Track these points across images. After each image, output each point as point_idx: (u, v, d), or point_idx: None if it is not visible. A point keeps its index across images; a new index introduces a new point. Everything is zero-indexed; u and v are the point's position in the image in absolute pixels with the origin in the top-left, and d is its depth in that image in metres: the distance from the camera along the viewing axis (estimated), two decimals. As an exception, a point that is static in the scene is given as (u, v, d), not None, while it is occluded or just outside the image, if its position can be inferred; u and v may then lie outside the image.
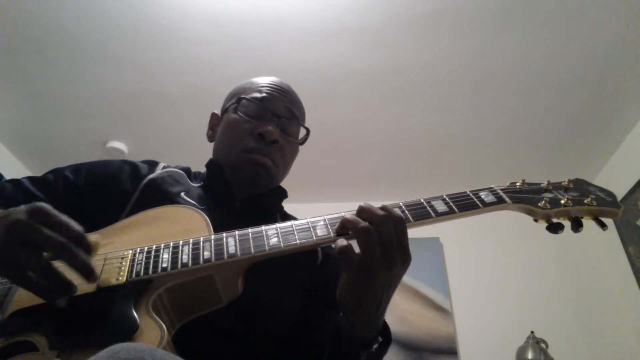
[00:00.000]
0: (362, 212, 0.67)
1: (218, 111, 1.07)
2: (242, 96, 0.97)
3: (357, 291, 0.68)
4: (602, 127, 2.64)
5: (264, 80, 1.01)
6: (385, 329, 0.76)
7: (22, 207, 0.61)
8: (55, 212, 0.61)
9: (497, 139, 2.77)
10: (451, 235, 2.98)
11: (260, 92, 0.97)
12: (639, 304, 2.53)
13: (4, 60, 2.30)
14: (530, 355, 2.35)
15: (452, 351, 2.61)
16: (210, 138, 1.05)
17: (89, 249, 0.62)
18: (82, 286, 0.65)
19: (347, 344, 0.72)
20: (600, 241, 2.90)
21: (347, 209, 0.73)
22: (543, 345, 2.42)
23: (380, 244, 0.64)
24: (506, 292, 2.81)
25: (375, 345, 0.73)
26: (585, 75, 2.33)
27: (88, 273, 0.60)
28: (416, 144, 2.83)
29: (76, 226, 0.61)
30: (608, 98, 2.45)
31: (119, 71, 2.38)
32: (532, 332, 2.48)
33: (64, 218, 0.61)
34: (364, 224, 0.65)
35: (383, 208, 0.67)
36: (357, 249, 0.66)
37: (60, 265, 0.60)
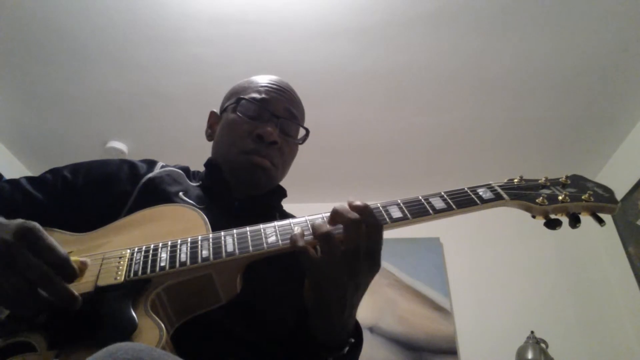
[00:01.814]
0: (335, 216, 0.66)
1: (217, 110, 1.07)
2: (241, 96, 0.97)
3: (319, 294, 0.68)
4: (602, 127, 2.64)
5: (264, 80, 1.01)
6: (357, 330, 0.76)
7: (12, 225, 0.59)
8: (43, 235, 0.60)
9: (497, 139, 2.77)
10: (451, 235, 2.98)
11: (259, 92, 0.97)
12: (639, 304, 2.53)
13: (4, 60, 2.30)
14: (530, 355, 2.34)
15: (452, 351, 2.61)
16: (210, 137, 1.05)
17: (74, 274, 0.61)
18: (80, 285, 0.65)
19: (314, 346, 0.72)
20: (600, 241, 2.90)
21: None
22: (543, 345, 2.42)
23: (345, 249, 0.64)
24: (506, 292, 2.81)
25: (346, 348, 0.72)
26: (585, 75, 2.33)
27: (69, 303, 0.59)
28: (416, 144, 2.83)
29: (61, 251, 0.60)
30: (608, 98, 2.45)
31: (118, 71, 2.38)
32: (532, 332, 2.48)
33: (51, 242, 0.60)
34: (326, 228, 0.64)
35: (361, 211, 0.65)
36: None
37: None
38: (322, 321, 0.70)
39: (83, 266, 0.66)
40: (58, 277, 0.59)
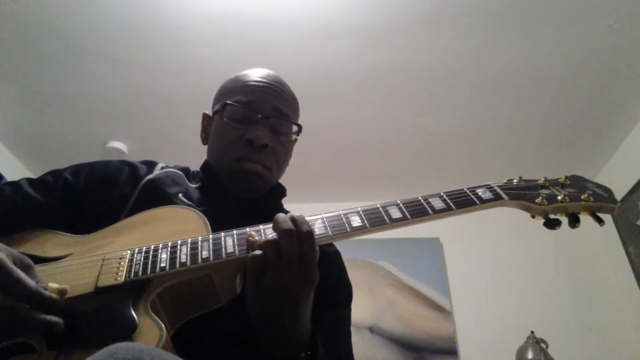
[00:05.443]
0: (273, 226, 0.67)
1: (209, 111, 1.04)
2: (227, 101, 0.93)
3: (256, 308, 0.68)
4: (602, 127, 2.64)
5: (249, 78, 0.97)
6: (312, 345, 0.73)
7: None
8: (10, 268, 0.58)
9: (497, 140, 2.77)
10: (451, 235, 2.98)
11: (245, 93, 0.93)
12: (639, 304, 2.53)
13: (4, 60, 2.30)
14: (530, 355, 2.34)
15: (452, 351, 2.61)
16: (204, 140, 1.03)
17: (51, 304, 0.60)
18: (81, 286, 0.65)
19: (267, 358, 0.70)
20: (600, 241, 2.90)
21: (347, 209, 0.74)
22: (543, 345, 2.42)
23: (276, 261, 0.64)
24: (506, 292, 2.81)
25: None
26: (585, 75, 2.33)
27: (50, 329, 0.59)
28: (416, 144, 2.83)
29: (30, 284, 0.59)
30: (608, 98, 2.45)
31: (119, 71, 2.38)
32: (532, 332, 2.48)
33: (18, 275, 0.58)
34: (266, 237, 0.66)
35: (294, 220, 0.66)
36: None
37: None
38: (265, 332, 0.70)
39: (63, 291, 0.62)
40: (29, 311, 0.58)
